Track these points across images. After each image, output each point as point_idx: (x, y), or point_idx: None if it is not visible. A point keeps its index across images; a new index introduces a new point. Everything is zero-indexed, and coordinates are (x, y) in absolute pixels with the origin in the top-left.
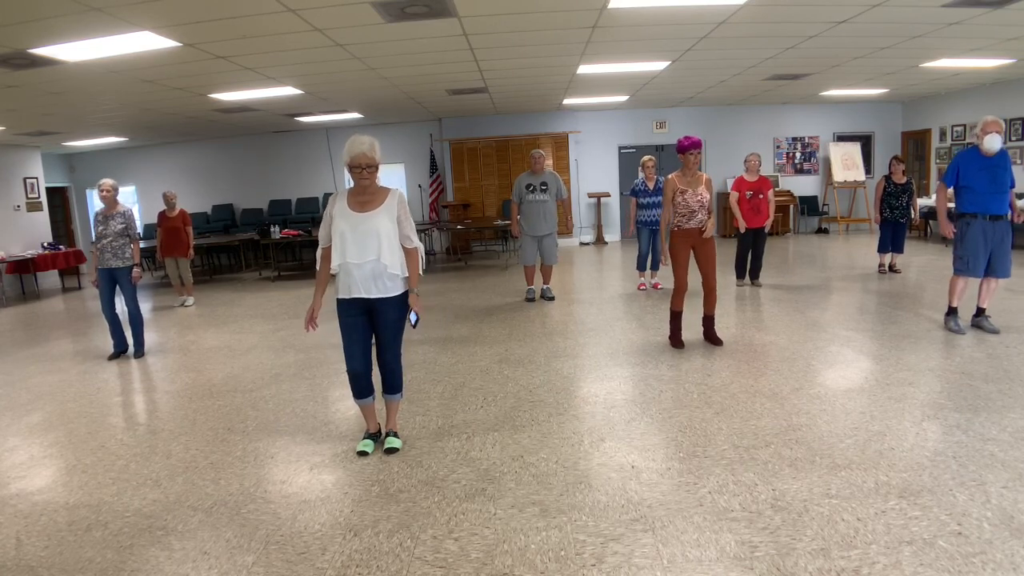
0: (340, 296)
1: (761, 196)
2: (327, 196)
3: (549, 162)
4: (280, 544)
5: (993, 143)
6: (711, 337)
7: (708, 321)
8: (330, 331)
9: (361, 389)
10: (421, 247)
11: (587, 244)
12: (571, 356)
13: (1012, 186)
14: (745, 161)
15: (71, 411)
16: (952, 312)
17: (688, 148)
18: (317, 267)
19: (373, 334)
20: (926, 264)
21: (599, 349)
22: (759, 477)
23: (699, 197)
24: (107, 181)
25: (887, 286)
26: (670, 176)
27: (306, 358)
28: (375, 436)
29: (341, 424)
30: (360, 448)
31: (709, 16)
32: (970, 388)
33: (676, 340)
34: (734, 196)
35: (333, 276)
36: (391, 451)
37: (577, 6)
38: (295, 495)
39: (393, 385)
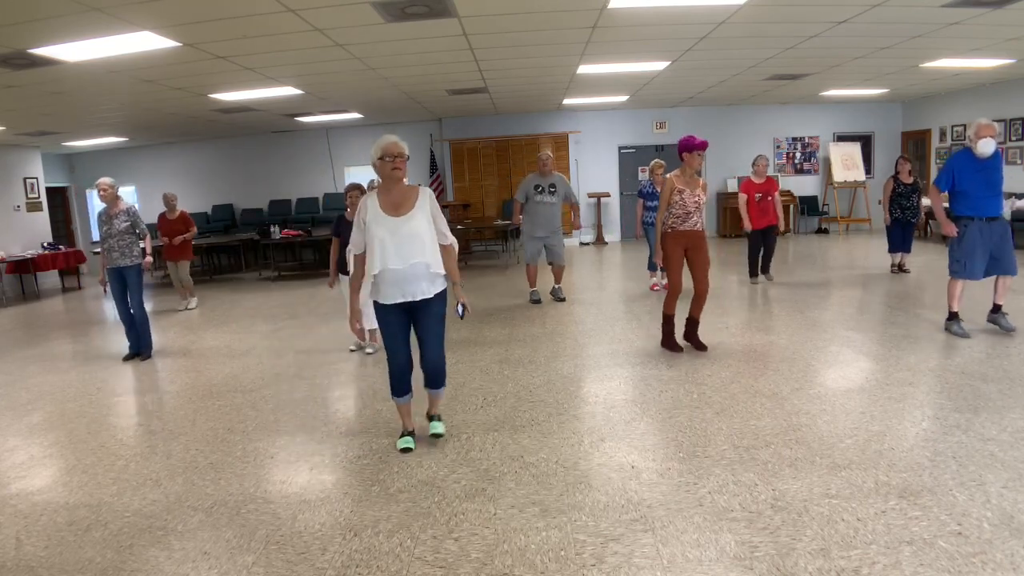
0: (382, 302)
1: (769, 198)
2: (327, 196)
3: None
4: (280, 544)
5: (987, 148)
6: (694, 341)
7: (692, 324)
8: (328, 332)
9: (403, 387)
10: (455, 241)
11: (587, 244)
12: (571, 356)
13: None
14: (753, 163)
15: (71, 411)
16: (953, 317)
17: (699, 146)
18: (350, 269)
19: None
20: (927, 264)
21: (599, 349)
22: (759, 477)
23: (696, 198)
24: (104, 180)
25: (895, 286)
26: (669, 175)
27: (306, 358)
28: (413, 433)
29: (341, 424)
30: (403, 445)
31: (709, 16)
32: (970, 388)
33: (671, 343)
34: (743, 199)
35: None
36: (436, 436)
37: (577, 6)
38: (295, 495)
39: (437, 381)
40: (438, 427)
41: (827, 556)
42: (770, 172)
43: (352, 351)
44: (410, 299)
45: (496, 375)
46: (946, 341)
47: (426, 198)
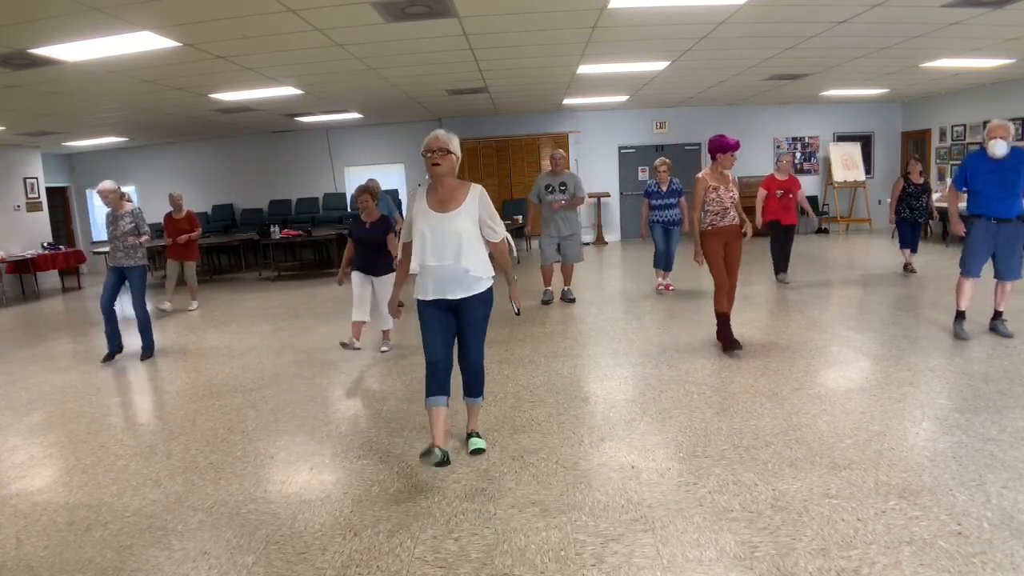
0: (421, 297)
1: (791, 195)
2: (327, 196)
3: (547, 162)
4: (280, 544)
5: (996, 149)
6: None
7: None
8: (328, 332)
9: (438, 385)
10: (508, 236)
11: (587, 244)
12: (571, 356)
13: None
14: (776, 160)
15: (71, 411)
16: (958, 316)
17: (733, 147)
18: (397, 260)
19: (455, 333)
20: (928, 264)
21: (599, 349)
22: (759, 477)
23: (731, 194)
24: (104, 186)
25: (896, 286)
26: (700, 175)
27: (306, 358)
28: (446, 456)
29: (341, 424)
30: (424, 460)
31: (709, 16)
32: (970, 388)
33: (729, 341)
34: (762, 193)
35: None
36: (477, 452)
37: (577, 6)
38: (295, 495)
39: (476, 387)
40: (479, 443)
41: (827, 556)
42: (770, 172)
43: (344, 345)
44: (448, 297)
45: (496, 375)
46: (946, 341)
47: (475, 197)
